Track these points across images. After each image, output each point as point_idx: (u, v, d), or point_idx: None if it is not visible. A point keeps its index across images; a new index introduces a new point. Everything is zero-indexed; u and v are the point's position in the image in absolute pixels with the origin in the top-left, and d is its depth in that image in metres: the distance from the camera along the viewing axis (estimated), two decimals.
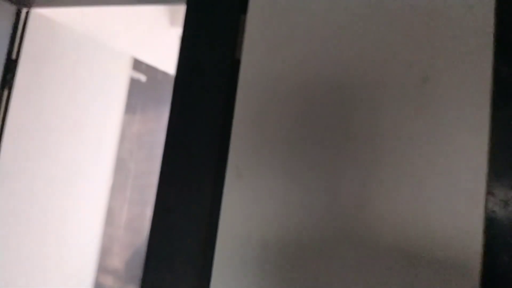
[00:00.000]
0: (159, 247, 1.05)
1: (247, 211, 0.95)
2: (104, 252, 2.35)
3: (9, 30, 1.64)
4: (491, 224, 0.79)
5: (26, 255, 1.86)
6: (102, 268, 2.37)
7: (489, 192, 0.80)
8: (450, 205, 0.80)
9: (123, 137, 2.31)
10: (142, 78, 2.29)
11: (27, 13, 1.70)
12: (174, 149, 1.09)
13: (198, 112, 1.07)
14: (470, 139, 0.82)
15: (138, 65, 2.26)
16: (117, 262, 2.48)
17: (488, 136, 0.82)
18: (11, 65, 1.66)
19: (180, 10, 2.65)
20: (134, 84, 2.26)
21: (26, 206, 1.80)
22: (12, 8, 1.68)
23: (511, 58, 0.84)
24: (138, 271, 2.58)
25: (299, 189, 0.91)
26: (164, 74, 2.44)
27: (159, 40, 2.65)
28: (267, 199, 0.93)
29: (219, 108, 1.06)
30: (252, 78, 1.02)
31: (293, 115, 0.96)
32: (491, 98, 0.83)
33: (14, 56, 1.67)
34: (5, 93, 1.64)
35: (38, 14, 1.74)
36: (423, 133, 0.84)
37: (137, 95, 2.33)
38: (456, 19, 0.86)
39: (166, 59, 2.63)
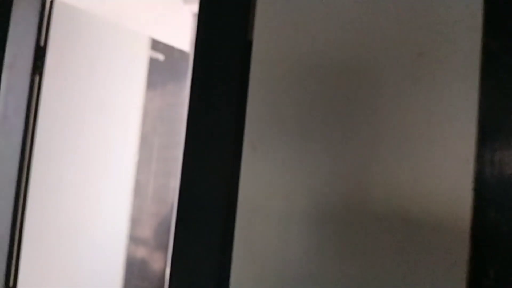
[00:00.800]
0: (186, 216, 1.17)
1: (261, 180, 1.06)
2: (134, 222, 2.50)
3: (36, 19, 1.76)
4: (479, 183, 0.89)
5: (62, 226, 2.02)
6: (133, 237, 2.53)
7: (478, 155, 0.90)
8: (443, 168, 0.90)
9: (146, 114, 2.43)
10: (161, 57, 2.39)
11: (51, 2, 1.81)
12: (195, 125, 1.20)
13: (216, 90, 1.17)
14: (461, 107, 0.91)
15: (156, 45, 2.36)
16: (146, 231, 2.64)
17: (477, 104, 0.91)
18: (40, 51, 1.78)
19: None
20: (153, 63, 2.37)
21: (61, 182, 1.95)
22: None
23: (498, 33, 0.92)
24: (166, 239, 2.74)
25: (307, 160, 1.02)
26: (181, 52, 2.54)
27: (174, 18, 2.73)
28: (279, 170, 1.04)
29: (235, 86, 1.16)
30: (263, 58, 1.12)
31: (302, 92, 1.06)
32: (480, 69, 0.92)
33: (42, 43, 1.79)
34: (37, 78, 1.77)
35: (61, 2, 1.85)
36: (419, 104, 0.94)
37: (157, 73, 2.44)
38: None
39: (182, 36, 2.72)
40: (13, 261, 1.74)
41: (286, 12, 1.10)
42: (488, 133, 0.90)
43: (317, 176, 1.01)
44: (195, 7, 2.88)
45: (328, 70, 1.04)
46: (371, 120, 0.97)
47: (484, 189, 0.89)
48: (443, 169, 0.90)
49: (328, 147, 1.00)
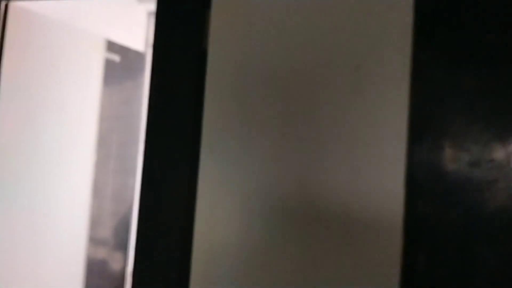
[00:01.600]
0: (147, 215, 1.24)
1: (218, 180, 1.14)
2: (93, 222, 2.52)
3: None
4: (410, 180, 1.01)
5: (20, 228, 2.03)
6: (92, 238, 2.55)
7: (408, 155, 1.01)
8: (378, 167, 1.02)
9: (103, 113, 2.46)
10: (116, 58, 2.43)
11: (6, 5, 1.82)
12: (155, 130, 1.26)
13: (173, 96, 1.24)
14: (393, 114, 1.02)
15: (111, 46, 2.39)
16: (105, 231, 2.66)
17: (407, 110, 1.02)
18: None
19: None
20: (109, 64, 2.40)
21: (18, 184, 1.96)
22: None
23: (426, 46, 1.04)
24: (125, 238, 2.77)
25: (258, 161, 1.11)
26: (136, 52, 2.58)
27: (128, 18, 2.75)
28: (234, 170, 1.13)
29: (191, 92, 1.23)
30: (217, 65, 1.20)
31: (253, 99, 1.14)
32: (410, 79, 1.03)
33: None
34: None
35: (16, 6, 1.85)
36: (357, 111, 1.05)
37: (113, 73, 2.46)
38: (380, 16, 1.05)
39: (136, 36, 2.75)
40: None
41: (237, 24, 1.18)
42: (418, 136, 1.02)
43: (267, 175, 1.10)
44: (150, 6, 2.92)
45: (276, 78, 1.13)
46: (314, 125, 1.08)
47: (414, 186, 1.01)
48: (378, 169, 1.02)
49: (277, 150, 1.10)
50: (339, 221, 1.03)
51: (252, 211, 1.11)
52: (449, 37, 1.04)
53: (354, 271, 1.01)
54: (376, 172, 1.02)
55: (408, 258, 1.01)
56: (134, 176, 2.79)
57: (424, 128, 1.02)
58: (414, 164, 1.02)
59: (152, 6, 1.27)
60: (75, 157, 2.24)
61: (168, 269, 1.21)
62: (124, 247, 2.76)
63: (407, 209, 1.01)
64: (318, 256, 1.04)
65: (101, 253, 2.66)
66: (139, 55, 2.59)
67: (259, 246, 1.10)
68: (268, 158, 1.10)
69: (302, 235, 1.07)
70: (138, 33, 2.79)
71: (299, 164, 1.08)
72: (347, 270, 1.02)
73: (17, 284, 2.02)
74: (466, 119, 1.00)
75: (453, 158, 1.01)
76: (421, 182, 1.02)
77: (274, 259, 1.08)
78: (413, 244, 1.01)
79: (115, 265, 2.74)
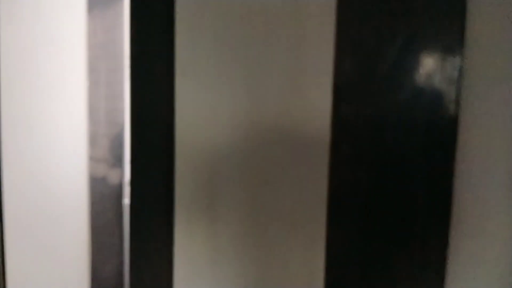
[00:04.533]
0: (137, 131, 1.55)
1: (192, 98, 1.44)
2: (91, 143, 2.85)
3: None
4: (336, 87, 1.32)
5: (33, 148, 2.35)
6: (92, 157, 2.88)
7: (335, 67, 1.31)
8: (311, 80, 1.32)
9: (90, 42, 2.69)
10: None
11: None
12: (136, 57, 1.53)
13: (150, 25, 1.49)
14: (323, 37, 1.31)
15: None
16: (103, 151, 2.99)
17: (334, 33, 1.30)
18: None
19: None
20: None
21: (26, 114, 2.25)
22: None
23: None
24: (121, 155, 3.11)
25: (225, 82, 1.40)
26: None
27: None
28: (205, 90, 1.42)
29: (163, 22, 1.49)
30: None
31: (219, 26, 1.41)
32: (336, 9, 1.30)
33: None
34: None
35: None
36: (293, 37, 1.33)
37: (95, 5, 2.67)
38: None
39: None
40: None
41: None
42: (341, 52, 1.31)
43: (232, 94, 1.40)
44: None
45: (236, 8, 1.39)
46: (266, 50, 1.36)
47: (339, 91, 1.32)
48: (311, 80, 1.32)
49: (240, 72, 1.39)
50: (284, 126, 1.35)
51: (222, 123, 1.42)
52: None
53: (296, 157, 1.35)
54: (310, 83, 1.32)
55: (335, 148, 1.34)
56: (123, 100, 3.06)
57: (346, 46, 1.31)
58: (339, 74, 1.32)
59: None
60: (70, 84, 2.52)
61: (157, 176, 1.54)
62: (120, 163, 3.11)
63: (334, 110, 1.32)
64: (272, 153, 1.38)
65: (101, 169, 3.01)
66: None
67: (227, 152, 1.42)
68: (233, 79, 1.40)
69: (261, 141, 1.38)
70: None
71: (256, 84, 1.37)
72: (290, 158, 1.36)
73: (27, 194, 2.37)
74: (376, 38, 1.29)
75: (368, 68, 1.31)
76: (344, 88, 1.32)
77: (239, 162, 1.41)
78: (339, 136, 1.34)
79: (114, 179, 3.10)
